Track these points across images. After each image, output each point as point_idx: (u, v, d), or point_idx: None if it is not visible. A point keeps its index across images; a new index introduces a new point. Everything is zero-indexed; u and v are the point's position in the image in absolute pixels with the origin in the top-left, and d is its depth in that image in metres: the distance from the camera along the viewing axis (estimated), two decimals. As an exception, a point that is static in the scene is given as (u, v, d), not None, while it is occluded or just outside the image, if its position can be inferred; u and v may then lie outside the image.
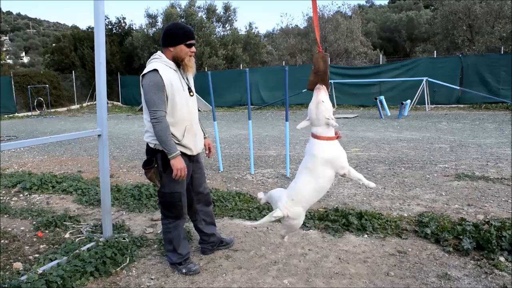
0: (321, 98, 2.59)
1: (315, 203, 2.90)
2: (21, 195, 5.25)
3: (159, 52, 2.76)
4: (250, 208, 4.27)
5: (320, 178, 2.61)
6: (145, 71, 2.65)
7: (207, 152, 3.19)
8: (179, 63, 2.74)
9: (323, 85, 2.66)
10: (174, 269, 2.97)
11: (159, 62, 2.68)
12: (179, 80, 2.73)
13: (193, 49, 2.74)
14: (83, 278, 2.78)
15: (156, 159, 2.78)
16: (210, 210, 3.24)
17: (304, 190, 2.65)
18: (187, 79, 2.84)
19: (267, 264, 3.04)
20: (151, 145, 2.77)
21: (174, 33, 2.69)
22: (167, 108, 2.67)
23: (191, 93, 2.84)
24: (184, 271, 2.90)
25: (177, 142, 2.72)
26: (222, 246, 3.31)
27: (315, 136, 2.61)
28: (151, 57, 2.76)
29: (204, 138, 3.11)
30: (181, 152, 2.71)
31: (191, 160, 2.90)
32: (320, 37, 23.72)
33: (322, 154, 2.56)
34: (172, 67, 2.71)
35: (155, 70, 2.61)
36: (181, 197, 2.84)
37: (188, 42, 2.69)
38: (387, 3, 44.05)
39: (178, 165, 2.64)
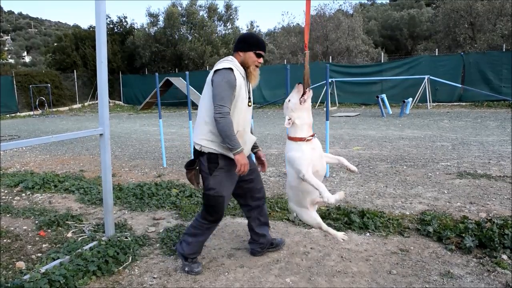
0: (289, 97, 2.77)
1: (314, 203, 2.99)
2: (23, 194, 5.27)
3: (231, 57, 2.79)
4: (252, 207, 4.27)
5: (288, 176, 2.87)
6: (219, 67, 2.65)
7: (259, 166, 3.10)
8: (245, 70, 2.77)
9: (299, 84, 2.76)
10: (179, 258, 2.99)
11: (232, 65, 2.68)
12: (245, 86, 2.74)
13: (261, 60, 2.79)
14: (85, 277, 2.79)
15: (201, 162, 2.77)
16: (265, 209, 3.14)
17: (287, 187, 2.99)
18: (249, 87, 2.85)
19: (269, 262, 3.04)
20: (197, 147, 2.76)
21: (247, 40, 2.78)
22: (232, 110, 2.67)
23: (250, 103, 2.84)
24: (186, 269, 2.89)
25: (222, 144, 2.70)
26: (272, 248, 3.20)
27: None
28: (224, 59, 2.78)
29: (258, 150, 3.08)
30: (218, 154, 2.71)
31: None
32: (322, 35, 23.71)
33: (286, 153, 2.84)
34: (241, 73, 2.73)
35: (231, 69, 2.63)
36: (224, 201, 2.80)
37: (257, 51, 2.75)
38: (388, 1, 43.95)
39: (242, 160, 2.61)
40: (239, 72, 2.70)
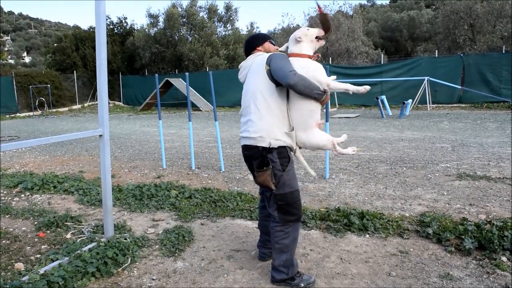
0: (310, 28, 2.75)
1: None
2: (23, 195, 5.26)
3: (256, 52, 2.82)
4: (252, 208, 4.27)
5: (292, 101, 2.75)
6: (264, 58, 2.63)
7: None
8: None
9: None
10: (285, 285, 2.68)
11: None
12: None
13: (277, 47, 2.85)
14: (84, 278, 2.78)
15: (272, 159, 2.58)
16: None
17: None
18: None
19: (269, 264, 3.02)
20: (264, 144, 2.57)
21: (257, 36, 2.91)
22: (286, 99, 2.66)
23: None
24: (302, 285, 2.65)
25: (286, 132, 2.62)
26: None
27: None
28: (255, 54, 2.79)
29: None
30: (287, 146, 2.62)
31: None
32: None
33: None
34: None
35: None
36: (299, 195, 2.68)
37: (271, 40, 2.86)
38: (388, 3, 43.98)
39: (326, 98, 2.64)
40: None
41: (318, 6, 2.87)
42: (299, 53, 2.67)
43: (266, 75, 2.58)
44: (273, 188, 2.60)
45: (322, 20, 2.74)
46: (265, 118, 2.58)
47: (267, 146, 2.56)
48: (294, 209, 2.64)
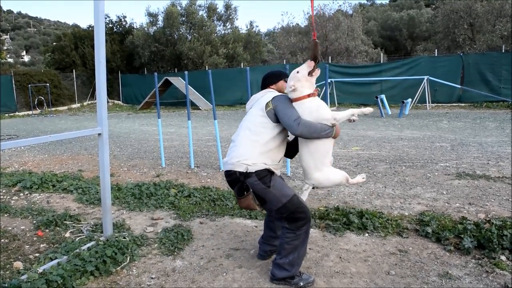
0: (298, 69, 2.74)
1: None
2: (22, 194, 5.25)
3: (268, 89, 2.92)
4: (251, 207, 4.26)
5: (305, 143, 2.78)
6: (273, 95, 2.74)
7: None
8: None
9: (311, 61, 2.72)
10: (284, 284, 2.70)
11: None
12: None
13: None
14: (83, 277, 2.78)
15: (251, 183, 2.64)
16: None
17: None
18: None
19: (268, 263, 3.03)
20: (241, 168, 2.63)
21: (273, 74, 2.99)
22: (280, 135, 2.72)
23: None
24: (301, 284, 2.67)
25: (270, 164, 2.67)
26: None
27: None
28: (266, 90, 2.89)
29: None
30: (271, 170, 2.68)
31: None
32: (321, 35, 23.72)
33: None
34: None
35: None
36: (298, 198, 2.69)
37: (286, 79, 2.90)
38: (388, 2, 43.98)
39: (338, 131, 2.68)
40: None
41: (313, 33, 2.91)
42: (299, 97, 2.68)
43: (262, 115, 2.68)
44: (258, 209, 2.74)
45: (312, 47, 2.78)
46: (246, 145, 2.68)
47: (244, 171, 2.62)
48: (301, 213, 2.66)
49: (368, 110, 2.64)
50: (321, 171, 2.72)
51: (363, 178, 2.84)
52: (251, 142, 2.67)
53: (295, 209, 2.64)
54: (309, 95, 2.69)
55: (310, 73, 2.69)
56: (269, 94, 2.80)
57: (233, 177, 2.70)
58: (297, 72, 2.72)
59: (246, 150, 2.66)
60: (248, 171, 2.62)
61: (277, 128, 2.68)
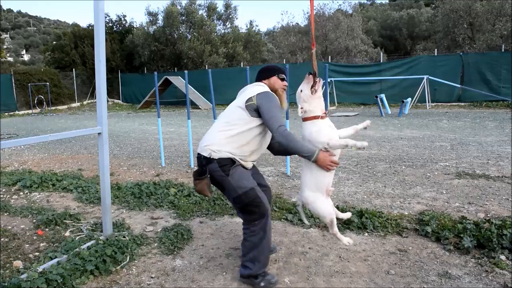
0: (300, 87, 2.77)
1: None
2: (21, 193, 5.25)
3: (259, 82, 2.86)
4: (251, 206, 4.26)
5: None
6: (260, 90, 2.69)
7: None
8: None
9: (309, 75, 2.73)
10: (248, 282, 2.70)
11: (268, 88, 2.78)
12: None
13: (285, 83, 2.89)
14: (83, 276, 2.78)
15: (212, 169, 2.65)
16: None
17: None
18: None
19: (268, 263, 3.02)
20: (205, 153, 2.66)
21: (268, 68, 2.93)
22: (257, 129, 2.69)
23: None
24: (262, 284, 2.64)
25: (240, 156, 2.68)
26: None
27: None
28: (255, 84, 2.84)
29: None
30: (236, 161, 2.67)
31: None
32: (321, 35, 23.71)
33: (302, 134, 2.78)
34: None
35: (271, 92, 2.74)
36: (256, 192, 2.63)
37: (280, 75, 2.87)
38: (387, 1, 43.96)
39: (325, 161, 2.57)
40: None
41: (312, 43, 2.92)
42: (308, 117, 2.71)
43: (241, 107, 2.67)
44: (209, 196, 2.77)
45: (311, 57, 2.79)
46: (215, 132, 2.71)
47: (208, 156, 2.64)
48: (255, 207, 2.63)
49: (362, 144, 2.56)
50: (313, 194, 2.73)
51: (349, 242, 2.78)
52: (222, 130, 2.69)
53: (250, 202, 2.62)
54: (316, 117, 2.69)
55: (312, 87, 2.68)
56: (256, 88, 2.76)
57: (199, 161, 2.73)
58: (301, 91, 2.73)
59: (214, 136, 2.69)
60: (211, 157, 2.64)
61: (253, 122, 2.66)
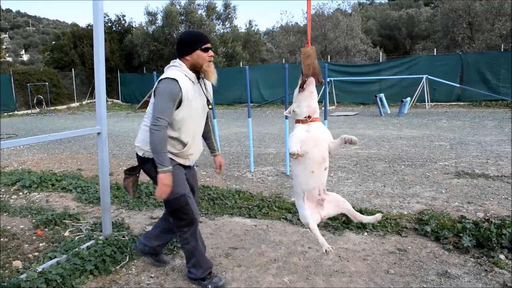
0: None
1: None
2: (21, 193, 5.25)
3: (178, 61, 2.52)
4: (250, 206, 4.27)
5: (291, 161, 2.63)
6: (164, 76, 2.43)
7: (218, 170, 3.03)
8: (199, 71, 2.55)
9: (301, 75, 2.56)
10: (197, 285, 2.72)
11: (180, 72, 2.46)
12: (197, 93, 2.56)
13: (211, 53, 2.53)
14: (82, 276, 2.78)
15: (146, 168, 2.60)
16: None
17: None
18: (206, 90, 2.67)
19: (267, 262, 3.03)
20: (140, 153, 2.57)
21: (187, 40, 2.52)
22: (177, 122, 2.47)
23: (209, 106, 2.67)
24: (210, 287, 2.65)
25: (175, 152, 2.55)
26: (154, 257, 3.00)
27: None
28: (171, 64, 2.54)
29: (216, 155, 2.99)
30: (176, 162, 2.55)
31: (185, 167, 2.69)
32: (320, 34, 23.71)
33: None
34: (191, 79, 2.50)
35: (175, 80, 2.38)
36: (187, 200, 2.55)
37: (203, 47, 2.49)
38: (387, 1, 43.95)
39: (166, 181, 2.37)
40: (188, 78, 2.47)
41: (307, 42, 2.61)
42: (296, 120, 2.53)
43: (152, 98, 2.49)
44: (131, 195, 2.76)
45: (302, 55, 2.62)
46: (142, 130, 2.57)
47: (141, 156, 2.58)
48: (183, 214, 2.57)
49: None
50: (296, 195, 2.64)
51: (327, 249, 2.45)
52: (144, 126, 2.54)
53: (179, 208, 2.55)
54: (297, 120, 2.51)
55: (301, 86, 2.50)
56: (167, 72, 2.48)
57: (137, 155, 2.65)
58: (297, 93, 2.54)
59: (142, 135, 2.56)
60: (145, 157, 2.55)
61: (177, 111, 2.44)
